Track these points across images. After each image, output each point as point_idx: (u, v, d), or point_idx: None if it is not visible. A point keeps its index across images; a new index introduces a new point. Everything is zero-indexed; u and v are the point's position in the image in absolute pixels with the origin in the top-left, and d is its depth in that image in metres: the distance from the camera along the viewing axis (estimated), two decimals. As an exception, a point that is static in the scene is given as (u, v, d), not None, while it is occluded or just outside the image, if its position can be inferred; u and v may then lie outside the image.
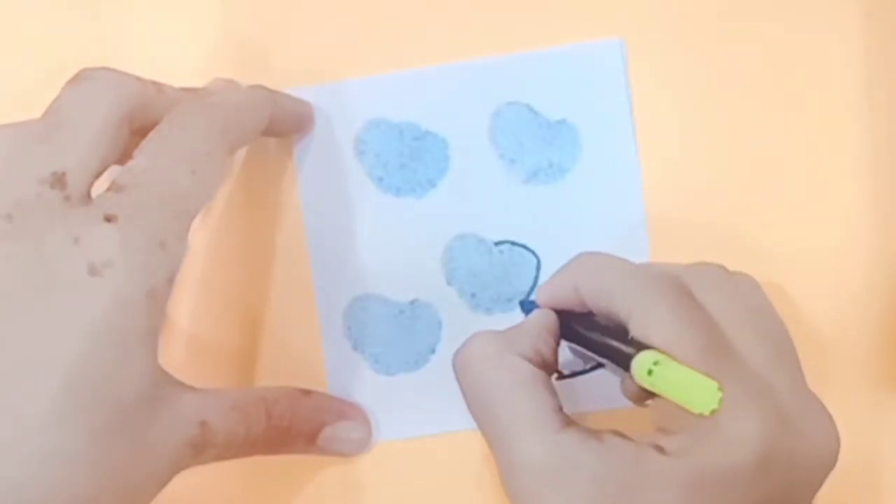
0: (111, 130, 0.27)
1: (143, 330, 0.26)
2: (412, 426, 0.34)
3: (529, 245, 0.34)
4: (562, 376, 0.33)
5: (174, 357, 0.35)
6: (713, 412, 0.25)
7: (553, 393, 0.28)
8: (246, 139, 0.31)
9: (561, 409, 0.27)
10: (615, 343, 0.28)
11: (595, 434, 0.26)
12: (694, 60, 0.34)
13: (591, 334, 0.29)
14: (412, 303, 0.35)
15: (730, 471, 0.25)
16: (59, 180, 0.26)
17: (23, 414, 0.24)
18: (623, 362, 0.27)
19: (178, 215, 0.27)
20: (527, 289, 0.34)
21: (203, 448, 0.28)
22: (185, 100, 0.29)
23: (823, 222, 0.33)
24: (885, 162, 0.33)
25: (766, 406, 0.26)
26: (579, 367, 0.34)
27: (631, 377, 0.27)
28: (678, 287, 0.27)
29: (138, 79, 0.29)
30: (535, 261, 0.34)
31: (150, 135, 0.28)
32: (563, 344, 0.30)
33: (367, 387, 0.34)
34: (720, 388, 0.25)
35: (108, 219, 0.26)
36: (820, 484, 0.27)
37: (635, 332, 0.27)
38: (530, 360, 0.28)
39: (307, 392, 0.32)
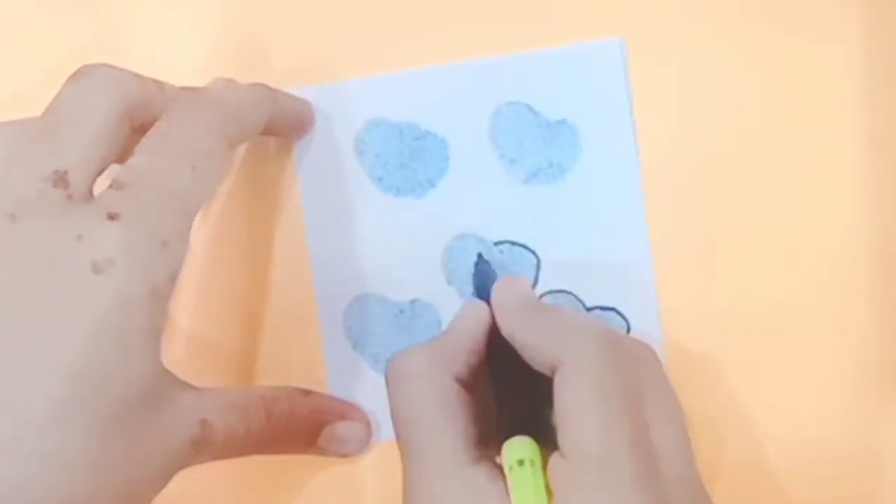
0: (112, 128, 0.27)
1: (146, 329, 0.26)
2: (412, 426, 0.34)
3: (529, 245, 0.34)
4: None
5: (174, 356, 0.35)
6: None
7: (475, 421, 0.28)
8: (246, 136, 0.31)
9: (479, 440, 0.27)
10: (516, 406, 0.28)
11: (495, 474, 0.26)
12: (694, 60, 0.34)
13: (502, 374, 0.30)
14: (412, 303, 0.35)
15: None
16: (60, 179, 0.26)
17: (23, 413, 0.24)
18: (505, 429, 0.27)
19: (180, 213, 0.27)
20: (527, 288, 0.34)
21: (203, 447, 0.27)
22: (184, 97, 0.29)
23: (823, 222, 0.33)
24: (885, 162, 0.33)
25: (653, 494, 0.25)
26: None
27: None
28: (611, 348, 0.27)
29: (138, 76, 0.29)
30: (535, 260, 0.34)
31: (150, 132, 0.28)
32: None
33: (367, 387, 0.34)
34: None
35: (111, 217, 0.26)
36: None
37: (555, 388, 0.26)
38: (461, 380, 0.28)
39: (307, 392, 0.32)
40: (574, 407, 0.26)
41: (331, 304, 0.35)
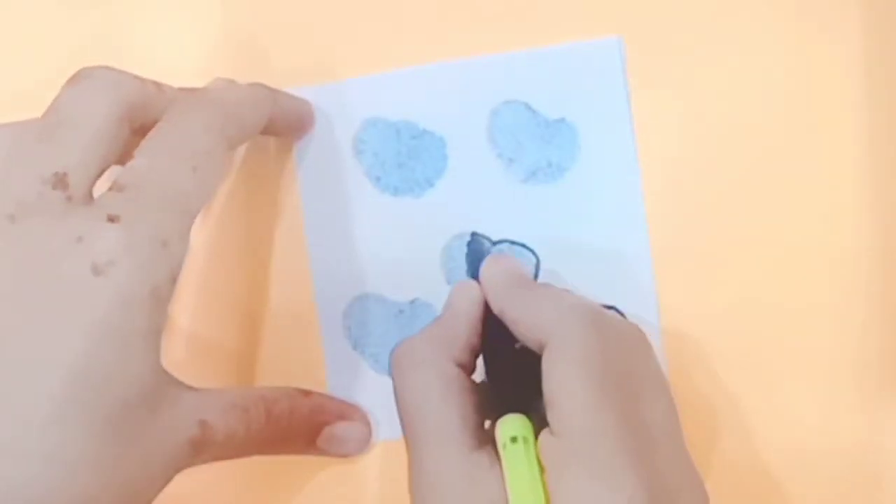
0: (111, 129, 0.27)
1: (146, 329, 0.26)
2: (412, 426, 0.34)
3: (528, 244, 0.34)
4: None
5: (174, 356, 0.35)
6: None
7: (478, 408, 0.28)
8: (245, 136, 0.31)
9: (482, 425, 0.28)
10: (507, 385, 0.28)
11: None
12: (693, 59, 0.34)
13: (494, 353, 0.30)
14: (412, 303, 0.35)
15: None
16: (60, 180, 0.26)
17: (24, 413, 0.24)
18: (497, 408, 0.27)
19: (180, 214, 0.27)
20: (526, 288, 0.34)
21: (203, 447, 0.28)
22: (184, 98, 0.29)
23: (823, 221, 0.33)
24: (885, 162, 0.33)
25: (643, 470, 0.25)
26: None
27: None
28: (600, 328, 0.27)
29: (138, 78, 0.29)
30: (534, 260, 0.34)
31: (150, 134, 0.28)
32: None
33: (367, 387, 0.34)
34: None
35: (111, 218, 0.26)
36: None
37: (543, 365, 0.27)
38: (463, 365, 0.29)
39: (307, 392, 0.32)
40: (561, 383, 0.26)
41: (331, 304, 0.35)
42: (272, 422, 0.30)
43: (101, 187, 0.27)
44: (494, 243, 0.34)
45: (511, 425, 0.26)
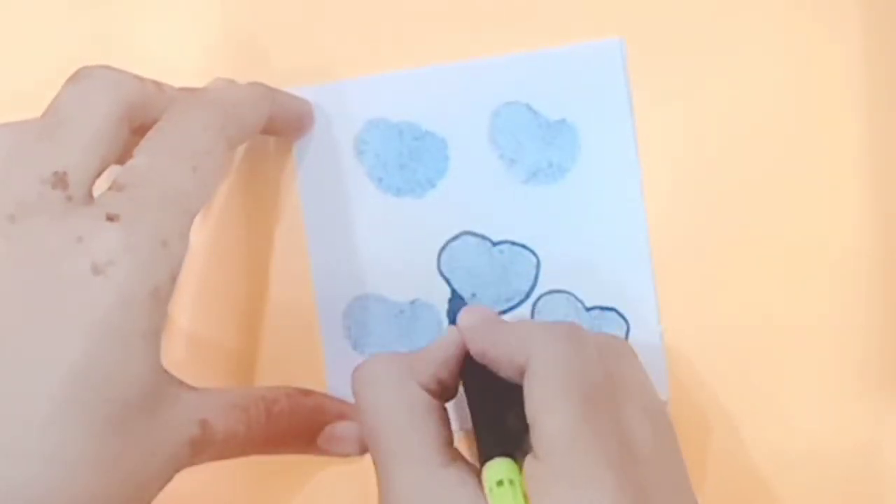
0: (111, 129, 0.27)
1: (146, 329, 0.26)
2: (412, 426, 0.34)
3: (529, 245, 0.34)
4: None
5: (174, 356, 0.35)
6: None
7: (446, 425, 0.28)
8: (245, 135, 0.31)
9: (451, 442, 0.28)
10: (492, 430, 0.28)
11: (478, 473, 0.26)
12: (694, 60, 0.34)
13: (479, 396, 0.30)
14: (412, 303, 0.35)
15: None
16: (60, 180, 0.26)
17: (24, 413, 0.24)
18: (482, 453, 0.27)
19: (180, 213, 0.27)
20: (527, 288, 0.34)
21: (203, 447, 0.28)
22: (183, 98, 0.29)
23: (824, 222, 0.33)
24: (885, 162, 0.33)
25: (626, 480, 0.25)
26: None
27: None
28: (575, 344, 0.27)
29: (137, 77, 0.29)
30: (534, 260, 0.34)
31: (150, 133, 0.28)
32: None
33: (366, 387, 0.34)
34: None
35: (111, 218, 0.26)
36: None
37: (525, 391, 0.26)
38: (429, 390, 0.28)
39: (307, 392, 0.32)
40: (541, 404, 0.26)
41: (331, 304, 0.35)
42: (272, 422, 0.30)
43: (100, 187, 0.27)
44: (495, 244, 0.34)
45: (496, 470, 0.26)
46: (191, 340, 0.35)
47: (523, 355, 0.27)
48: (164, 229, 0.26)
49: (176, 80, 0.30)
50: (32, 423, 0.24)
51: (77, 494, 0.25)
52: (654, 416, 0.27)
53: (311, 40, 0.35)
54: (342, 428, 0.33)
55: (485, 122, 0.34)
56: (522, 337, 0.28)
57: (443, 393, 0.29)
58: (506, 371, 0.28)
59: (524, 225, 0.34)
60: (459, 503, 0.26)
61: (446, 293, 0.34)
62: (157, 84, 0.29)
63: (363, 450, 0.34)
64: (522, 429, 0.27)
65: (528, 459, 0.26)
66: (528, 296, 0.34)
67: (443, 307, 0.34)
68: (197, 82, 0.33)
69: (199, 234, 0.35)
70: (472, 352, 0.30)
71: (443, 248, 0.34)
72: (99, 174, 0.27)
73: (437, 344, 0.30)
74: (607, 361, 0.28)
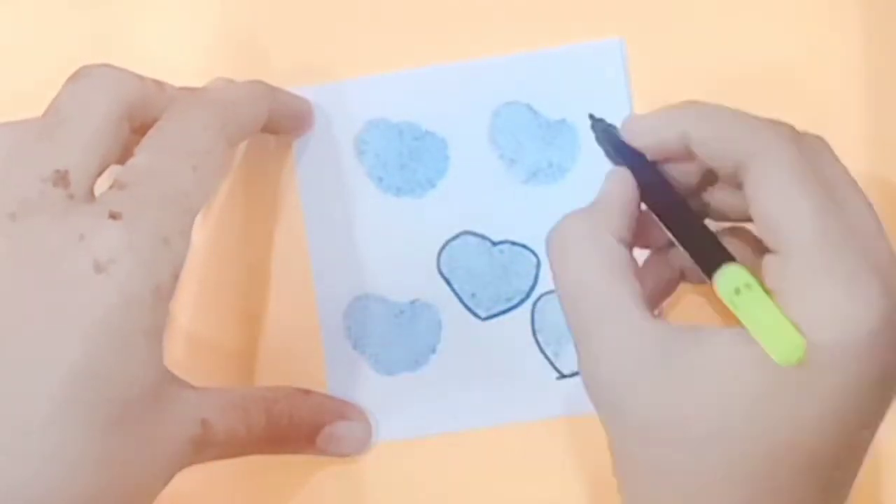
0: (111, 127, 0.27)
1: (148, 327, 0.26)
2: (412, 426, 0.34)
3: (529, 245, 0.34)
4: None
5: (175, 356, 0.35)
6: (797, 360, 0.23)
7: (638, 281, 0.27)
8: (245, 133, 0.31)
9: (642, 294, 0.26)
10: (704, 240, 0.27)
11: (686, 325, 0.25)
12: (694, 60, 0.34)
13: (674, 215, 0.28)
14: (412, 303, 0.35)
15: (846, 349, 0.24)
16: (61, 178, 0.26)
17: (24, 413, 0.24)
18: (705, 265, 0.26)
19: (181, 212, 0.27)
20: (527, 288, 0.34)
21: (204, 446, 0.28)
22: (184, 97, 0.29)
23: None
24: (885, 162, 0.33)
25: (890, 279, 0.24)
26: None
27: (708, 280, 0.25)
28: (798, 140, 0.26)
29: (138, 76, 0.29)
30: (534, 260, 0.34)
31: (151, 132, 0.28)
32: None
33: (367, 387, 0.34)
34: (803, 345, 0.23)
35: (113, 216, 0.26)
36: None
37: (749, 186, 0.26)
38: (622, 241, 0.27)
39: (307, 392, 0.32)
40: (782, 198, 0.25)
41: (331, 304, 0.35)
42: (272, 421, 0.30)
43: (101, 186, 0.27)
44: (495, 244, 0.34)
45: (730, 277, 0.25)
46: (191, 340, 0.35)
47: (745, 149, 0.26)
48: (166, 227, 0.26)
49: (176, 80, 0.30)
50: (32, 423, 0.24)
51: (77, 494, 0.25)
52: (869, 211, 0.26)
53: (311, 40, 0.35)
54: (342, 428, 0.33)
55: (485, 122, 0.34)
56: (743, 128, 0.26)
57: (630, 243, 0.28)
58: (710, 159, 0.27)
59: (524, 225, 0.34)
60: (684, 349, 0.25)
61: (446, 293, 0.34)
62: (158, 83, 0.29)
63: (363, 450, 0.34)
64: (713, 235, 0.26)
65: (769, 258, 0.25)
66: (528, 296, 0.34)
67: (442, 307, 0.34)
68: (197, 82, 0.33)
69: (199, 234, 0.35)
70: (669, 138, 0.28)
71: (443, 248, 0.35)
72: (100, 173, 0.27)
73: (610, 190, 0.28)
74: (822, 160, 0.27)
